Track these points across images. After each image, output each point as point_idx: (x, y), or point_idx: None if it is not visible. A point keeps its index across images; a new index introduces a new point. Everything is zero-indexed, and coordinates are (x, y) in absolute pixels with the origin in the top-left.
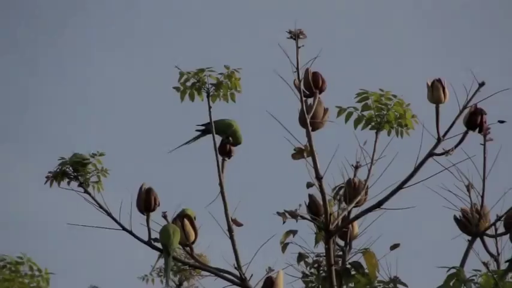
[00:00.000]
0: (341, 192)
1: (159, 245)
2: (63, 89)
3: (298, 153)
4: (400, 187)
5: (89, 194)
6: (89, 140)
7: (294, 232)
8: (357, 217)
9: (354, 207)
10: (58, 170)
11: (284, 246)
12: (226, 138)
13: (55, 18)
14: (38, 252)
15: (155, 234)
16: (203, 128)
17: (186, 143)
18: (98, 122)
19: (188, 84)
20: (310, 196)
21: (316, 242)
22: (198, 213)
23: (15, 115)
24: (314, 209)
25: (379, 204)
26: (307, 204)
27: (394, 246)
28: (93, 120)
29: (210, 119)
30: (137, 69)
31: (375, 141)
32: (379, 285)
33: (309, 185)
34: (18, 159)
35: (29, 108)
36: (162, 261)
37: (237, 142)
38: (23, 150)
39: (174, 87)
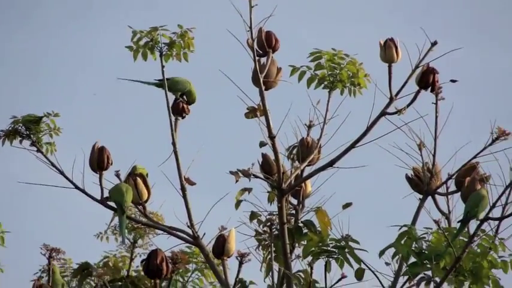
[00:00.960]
0: (294, 151)
1: (112, 203)
2: (18, 48)
3: (251, 112)
4: (352, 146)
5: (42, 152)
6: (41, 99)
7: (249, 190)
8: (309, 176)
9: (307, 166)
10: (10, 128)
11: (237, 203)
12: (180, 96)
13: None
14: None
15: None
16: (158, 82)
17: (138, 81)
18: (50, 82)
19: (141, 43)
20: (263, 155)
21: (269, 200)
22: (151, 172)
23: None
24: (267, 167)
25: (331, 163)
26: (260, 163)
27: (347, 205)
28: (45, 79)
29: (163, 78)
30: (91, 28)
31: (328, 101)
32: (331, 243)
33: (262, 144)
34: None
35: None
36: (117, 219)
37: (191, 102)
38: None
39: (126, 47)
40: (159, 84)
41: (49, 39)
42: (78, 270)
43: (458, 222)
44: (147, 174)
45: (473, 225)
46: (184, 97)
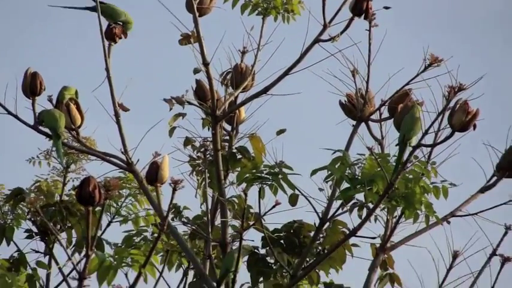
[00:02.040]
0: (228, 77)
1: (46, 129)
2: None
3: (185, 39)
4: (286, 73)
5: None
6: None
7: (183, 115)
8: (243, 103)
9: (241, 92)
10: None
11: (171, 130)
12: (114, 23)
13: None
14: None
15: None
16: (91, 7)
17: (69, 7)
18: None
19: None
20: (197, 81)
21: (204, 126)
22: (84, 99)
23: None
24: (201, 94)
25: (265, 90)
26: (194, 89)
27: (280, 132)
28: None
29: (96, 3)
30: None
31: (262, 27)
32: (265, 170)
33: (196, 71)
34: None
35: None
36: (50, 144)
37: (127, 30)
38: None
39: None
40: (93, 8)
41: None
42: (11, 196)
43: (396, 145)
44: (76, 93)
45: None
46: (120, 25)
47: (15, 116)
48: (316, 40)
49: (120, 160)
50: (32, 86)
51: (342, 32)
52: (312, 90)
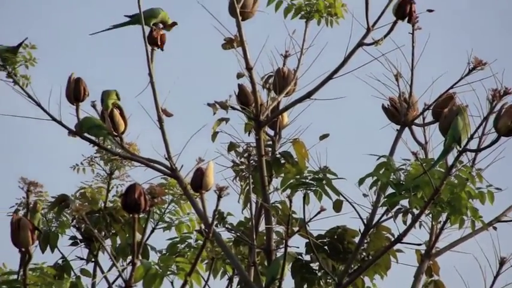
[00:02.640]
0: (270, 80)
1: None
2: None
3: (228, 44)
4: (329, 77)
5: (18, 84)
6: (14, 30)
7: (226, 120)
8: (287, 108)
9: (284, 97)
10: None
11: (214, 134)
12: (155, 25)
13: None
14: None
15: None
16: (131, 17)
17: (110, 28)
18: (23, 12)
19: None
20: (240, 86)
21: (246, 131)
22: (128, 104)
23: None
24: (244, 99)
25: (309, 95)
26: (237, 94)
27: (324, 136)
28: (16, 9)
29: (139, 7)
30: None
31: (305, 31)
32: (309, 175)
33: (239, 76)
34: None
35: None
36: (92, 150)
37: (168, 26)
38: None
39: None
40: (132, 21)
41: None
42: (56, 203)
43: (445, 152)
44: (117, 95)
45: (450, 157)
46: (160, 25)
47: (59, 122)
48: (360, 44)
49: (164, 166)
50: (75, 92)
51: (385, 36)
52: (355, 95)
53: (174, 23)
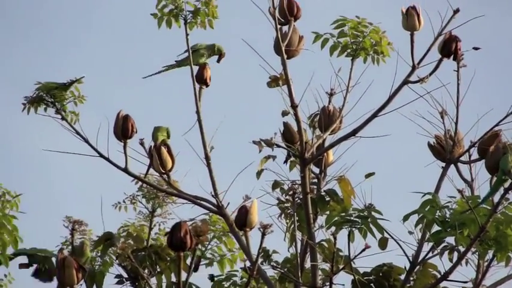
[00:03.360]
0: (316, 119)
1: (135, 172)
2: (30, 13)
3: (273, 82)
4: (375, 115)
5: (66, 120)
6: (63, 67)
7: (272, 157)
8: (332, 145)
9: (329, 134)
10: (34, 95)
11: (259, 173)
12: (204, 65)
13: None
14: (12, 179)
15: (132, 161)
16: (180, 61)
17: (161, 71)
18: (73, 48)
19: (166, 10)
20: (285, 124)
21: (291, 169)
22: (175, 141)
23: None
24: (289, 136)
25: (354, 132)
26: (282, 132)
27: (369, 175)
28: (67, 46)
29: (187, 46)
30: None
31: (351, 69)
32: (354, 213)
33: (284, 113)
34: None
35: None
36: (135, 188)
37: (220, 55)
38: None
39: (151, 14)
40: (181, 63)
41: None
42: (101, 241)
43: (497, 180)
44: (168, 132)
45: (496, 194)
46: (208, 64)
47: (107, 159)
48: (405, 81)
49: (210, 203)
50: (123, 128)
51: (430, 73)
52: (400, 132)
53: (222, 55)
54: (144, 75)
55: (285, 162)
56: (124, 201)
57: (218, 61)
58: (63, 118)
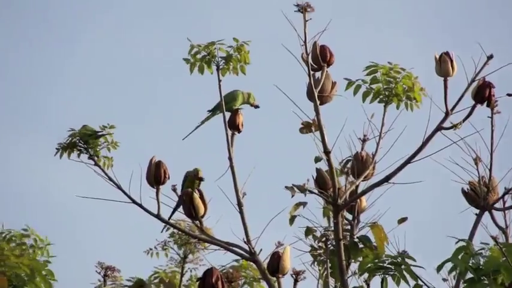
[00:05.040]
0: (348, 165)
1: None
2: (66, 60)
3: (306, 128)
4: (408, 161)
5: (99, 166)
6: (95, 113)
7: (304, 204)
8: (365, 192)
9: (362, 180)
10: (68, 141)
11: (291, 219)
12: (236, 112)
13: None
14: (46, 225)
15: (164, 208)
16: (212, 109)
17: (197, 127)
18: (104, 93)
19: (198, 56)
20: (318, 170)
21: (324, 215)
22: (207, 188)
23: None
24: (322, 183)
25: (387, 179)
26: (315, 178)
27: (402, 220)
28: (98, 91)
29: (220, 92)
30: (145, 41)
31: (383, 115)
32: (387, 260)
33: (317, 160)
34: (18, 133)
35: (26, 81)
36: (167, 234)
37: (253, 104)
38: (22, 124)
39: (184, 59)
40: (213, 110)
41: (99, 47)
42: (134, 287)
43: None
44: (201, 178)
45: None
46: (241, 110)
47: (140, 205)
48: (438, 128)
49: (242, 250)
50: (156, 175)
51: (464, 120)
52: (434, 178)
53: (257, 106)
54: (182, 138)
55: None
56: (156, 247)
57: (255, 107)
58: (96, 164)
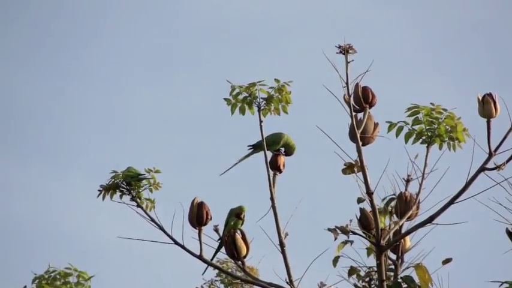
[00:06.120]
0: (392, 203)
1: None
2: (104, 101)
3: (348, 168)
4: (451, 202)
5: (142, 208)
6: (137, 154)
7: (350, 242)
8: (408, 232)
9: (406, 221)
10: (110, 183)
11: (336, 259)
12: (277, 150)
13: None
14: (89, 266)
15: (207, 248)
16: (253, 146)
17: (236, 163)
18: (148, 134)
19: (240, 97)
20: (362, 210)
21: (368, 255)
22: (250, 228)
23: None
24: (365, 223)
25: (431, 219)
26: (358, 218)
27: (446, 261)
28: (143, 133)
29: (261, 133)
30: (185, 83)
31: (426, 155)
32: None
33: (360, 200)
34: (57, 173)
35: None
36: (212, 274)
37: (289, 152)
38: (60, 164)
39: (225, 99)
40: (254, 148)
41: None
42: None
43: None
44: (243, 216)
45: None
46: (282, 150)
47: (182, 246)
48: (482, 169)
49: None
50: (198, 216)
51: (508, 161)
52: (477, 219)
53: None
54: (221, 172)
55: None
56: (202, 287)
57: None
58: (138, 205)
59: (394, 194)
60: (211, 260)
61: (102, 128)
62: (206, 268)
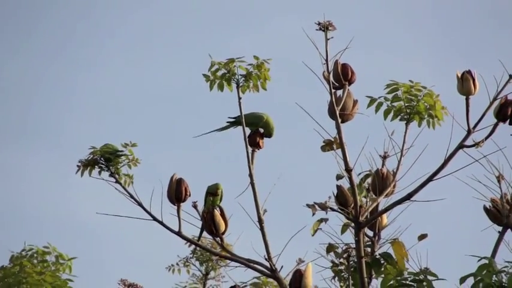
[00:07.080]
0: (368, 180)
1: (189, 235)
2: (82, 79)
3: (327, 145)
4: (430, 179)
5: (120, 183)
6: (116, 130)
7: (325, 220)
8: (386, 209)
9: (383, 198)
10: (89, 159)
11: (314, 232)
12: (256, 130)
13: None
14: (67, 243)
15: (186, 225)
16: (233, 119)
17: (213, 131)
18: (125, 111)
19: (218, 74)
20: (339, 187)
21: (343, 232)
22: (228, 205)
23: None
24: (343, 200)
25: (409, 197)
26: (336, 195)
27: (422, 237)
28: (119, 109)
29: (240, 110)
30: (164, 59)
31: (405, 132)
32: (409, 277)
33: (339, 177)
34: (35, 151)
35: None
36: (188, 251)
37: (268, 134)
38: (41, 142)
39: (203, 74)
40: (233, 122)
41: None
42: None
43: None
44: (221, 191)
45: None
46: (261, 130)
47: (161, 223)
48: (460, 146)
49: (263, 267)
50: (177, 192)
51: (486, 138)
52: (455, 196)
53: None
54: (195, 135)
55: None
56: (177, 264)
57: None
58: (117, 181)
59: (369, 170)
60: (198, 240)
61: (83, 108)
62: (186, 243)
